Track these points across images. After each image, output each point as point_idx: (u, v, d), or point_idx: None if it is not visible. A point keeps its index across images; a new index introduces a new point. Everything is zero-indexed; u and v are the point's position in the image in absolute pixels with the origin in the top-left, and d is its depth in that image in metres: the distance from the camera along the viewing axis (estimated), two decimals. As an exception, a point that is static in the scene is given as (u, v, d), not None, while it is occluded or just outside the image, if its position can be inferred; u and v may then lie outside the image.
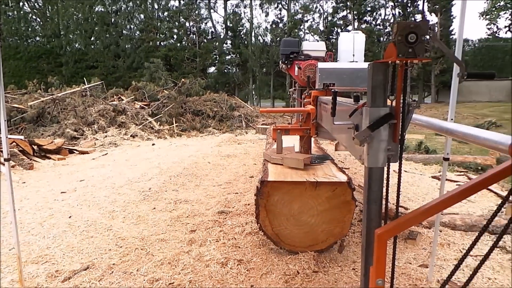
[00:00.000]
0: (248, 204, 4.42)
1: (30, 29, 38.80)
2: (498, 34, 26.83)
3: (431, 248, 2.89)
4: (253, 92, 37.73)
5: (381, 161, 1.37)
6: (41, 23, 38.95)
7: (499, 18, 22.08)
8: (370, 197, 1.41)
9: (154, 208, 4.50)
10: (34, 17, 39.07)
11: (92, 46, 38.18)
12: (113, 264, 3.09)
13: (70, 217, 4.22)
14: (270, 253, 3.18)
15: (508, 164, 1.11)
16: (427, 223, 3.69)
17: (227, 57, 38.82)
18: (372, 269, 1.32)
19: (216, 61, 38.31)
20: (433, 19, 33.01)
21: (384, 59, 1.30)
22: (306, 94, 3.83)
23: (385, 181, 1.42)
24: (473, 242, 1.24)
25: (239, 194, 5.00)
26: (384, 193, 1.42)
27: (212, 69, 38.90)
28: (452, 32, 30.74)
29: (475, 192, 1.19)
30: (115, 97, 14.74)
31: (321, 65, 3.44)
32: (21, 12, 37.51)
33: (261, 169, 3.68)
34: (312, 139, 4.82)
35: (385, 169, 1.41)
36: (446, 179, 2.51)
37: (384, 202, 1.42)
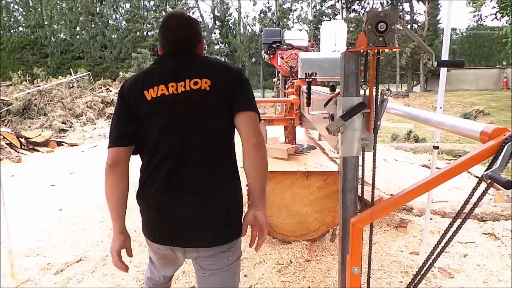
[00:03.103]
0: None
1: (12, 19, 37.94)
2: (484, 22, 27.13)
3: (422, 235, 2.95)
4: (243, 82, 37.54)
5: (355, 150, 1.37)
6: (24, 13, 38.09)
7: (484, 5, 22.17)
8: (345, 186, 1.42)
9: (146, 199, 4.49)
10: (16, 7, 38.19)
11: (78, 37, 37.51)
12: (106, 256, 3.09)
13: (60, 209, 4.20)
14: (263, 243, 3.21)
15: (482, 148, 1.14)
16: (417, 211, 3.76)
17: (215, 47, 38.54)
18: (348, 257, 1.33)
19: (205, 51, 37.92)
20: (420, 7, 33.15)
21: (356, 48, 1.30)
22: (290, 84, 3.83)
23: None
24: (449, 225, 1.27)
25: (230, 184, 5.01)
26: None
27: (200, 59, 38.56)
28: (440, 21, 30.91)
29: (451, 177, 1.21)
30: (103, 88, 14.58)
31: (302, 54, 3.44)
32: (3, 2, 36.62)
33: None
34: (303, 129, 4.85)
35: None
36: (436, 168, 2.55)
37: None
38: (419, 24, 32.13)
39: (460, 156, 6.51)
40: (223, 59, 38.61)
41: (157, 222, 1.49)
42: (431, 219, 3.62)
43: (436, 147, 2.59)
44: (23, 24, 38.05)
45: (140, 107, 1.45)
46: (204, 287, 1.56)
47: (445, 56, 2.39)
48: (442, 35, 2.44)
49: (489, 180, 1.10)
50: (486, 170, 1.11)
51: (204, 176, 1.42)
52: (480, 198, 1.19)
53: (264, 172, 1.47)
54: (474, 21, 26.13)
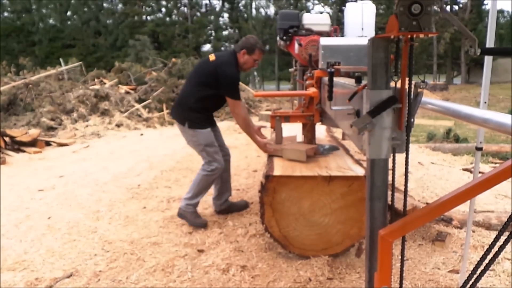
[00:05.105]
0: (252, 203, 4.45)
1: (-4, 3, 38.68)
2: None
3: (463, 251, 2.91)
4: (255, 73, 37.63)
5: (385, 152, 1.35)
6: (10, -4, 38.77)
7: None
8: (373, 193, 1.40)
9: (144, 207, 4.54)
10: (1, -11, 38.92)
11: (69, 22, 38.10)
12: (100, 271, 3.13)
13: (49, 218, 4.26)
14: (278, 258, 3.21)
15: None
16: (458, 222, 3.71)
17: (224, 33, 38.70)
18: (377, 275, 1.32)
19: (212, 38, 38.20)
20: (462, -14, 32.71)
21: (385, 33, 1.29)
22: (308, 74, 3.80)
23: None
24: (493, 241, 1.25)
25: (241, 191, 5.03)
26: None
27: (207, 47, 38.79)
28: (484, 2, 30.51)
29: (496, 183, 1.19)
30: (96, 80, 14.75)
31: (323, 41, 3.39)
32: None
33: (265, 162, 3.70)
34: (324, 127, 4.83)
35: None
36: (479, 172, 2.51)
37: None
38: (460, 6, 31.74)
39: (507, 158, 6.43)
40: (232, 46, 38.80)
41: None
42: (473, 231, 3.58)
43: (480, 148, 2.56)
44: (9, 9, 38.72)
45: None
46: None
47: (490, 43, 2.35)
48: (487, 18, 2.40)
49: (542, 188, 1.08)
50: (539, 176, 1.09)
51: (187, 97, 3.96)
52: (531, 209, 1.17)
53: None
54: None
